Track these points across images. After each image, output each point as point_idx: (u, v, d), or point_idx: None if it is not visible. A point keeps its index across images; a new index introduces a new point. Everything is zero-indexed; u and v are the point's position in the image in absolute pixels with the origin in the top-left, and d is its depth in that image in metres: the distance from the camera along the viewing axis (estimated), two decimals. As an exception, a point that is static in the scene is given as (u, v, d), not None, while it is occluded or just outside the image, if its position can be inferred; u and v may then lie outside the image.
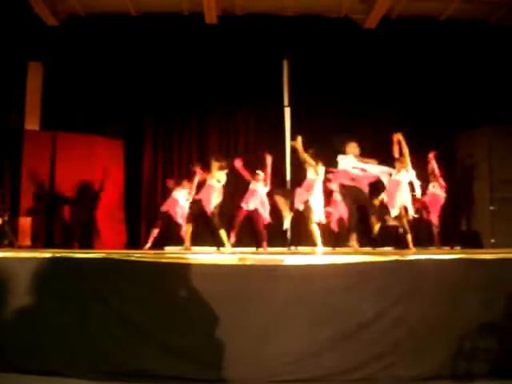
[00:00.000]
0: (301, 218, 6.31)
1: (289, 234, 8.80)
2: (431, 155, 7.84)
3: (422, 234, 8.24)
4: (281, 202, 6.24)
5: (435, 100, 9.56)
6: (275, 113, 9.24)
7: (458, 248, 8.43)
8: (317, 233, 5.85)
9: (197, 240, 7.62)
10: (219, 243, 7.31)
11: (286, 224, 6.33)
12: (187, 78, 9.62)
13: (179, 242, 7.93)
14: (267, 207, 7.90)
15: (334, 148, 6.84)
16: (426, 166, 7.83)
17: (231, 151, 10.12)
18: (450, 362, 4.18)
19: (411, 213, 6.64)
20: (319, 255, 5.33)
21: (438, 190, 7.81)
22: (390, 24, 9.22)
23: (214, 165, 7.04)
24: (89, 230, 9.32)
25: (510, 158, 8.97)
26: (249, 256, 4.63)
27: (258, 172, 8.07)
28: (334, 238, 8.10)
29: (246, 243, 8.34)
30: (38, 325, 4.32)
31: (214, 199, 6.91)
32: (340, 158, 6.56)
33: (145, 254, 4.85)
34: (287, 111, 9.20)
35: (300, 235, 8.54)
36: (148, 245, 7.91)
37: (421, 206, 7.69)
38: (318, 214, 5.85)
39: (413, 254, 4.82)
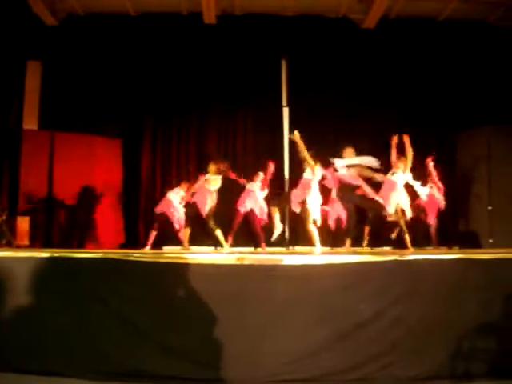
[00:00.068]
0: (298, 219, 6.32)
1: (287, 234, 8.79)
2: (429, 159, 7.81)
3: (420, 234, 8.23)
4: (275, 213, 6.34)
5: (435, 100, 9.55)
6: (274, 113, 9.22)
7: (457, 248, 8.43)
8: (315, 233, 5.83)
9: (194, 241, 7.62)
10: (217, 243, 7.31)
11: (275, 236, 6.53)
12: (186, 77, 9.61)
13: (177, 241, 7.93)
14: (264, 208, 7.89)
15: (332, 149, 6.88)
16: (424, 169, 7.82)
17: (230, 150, 10.13)
18: (448, 361, 4.19)
19: (408, 214, 6.65)
20: (317, 255, 5.32)
21: (436, 193, 7.79)
22: (389, 24, 9.24)
23: (212, 168, 7.04)
24: (87, 230, 9.30)
25: (509, 158, 8.96)
26: (247, 256, 4.64)
27: (259, 172, 8.07)
28: (332, 237, 8.10)
29: (243, 243, 8.33)
30: (38, 325, 4.32)
31: (208, 203, 6.91)
32: (337, 163, 6.60)
33: (144, 254, 4.86)
34: (285, 111, 9.18)
35: (298, 235, 8.53)
36: (147, 248, 7.89)
37: (418, 207, 7.68)
38: (315, 214, 5.86)
39: (411, 254, 4.82)
